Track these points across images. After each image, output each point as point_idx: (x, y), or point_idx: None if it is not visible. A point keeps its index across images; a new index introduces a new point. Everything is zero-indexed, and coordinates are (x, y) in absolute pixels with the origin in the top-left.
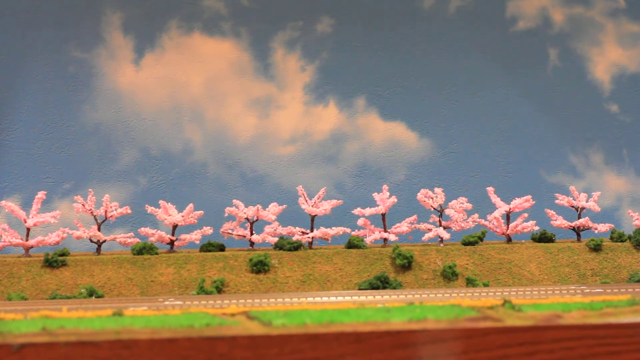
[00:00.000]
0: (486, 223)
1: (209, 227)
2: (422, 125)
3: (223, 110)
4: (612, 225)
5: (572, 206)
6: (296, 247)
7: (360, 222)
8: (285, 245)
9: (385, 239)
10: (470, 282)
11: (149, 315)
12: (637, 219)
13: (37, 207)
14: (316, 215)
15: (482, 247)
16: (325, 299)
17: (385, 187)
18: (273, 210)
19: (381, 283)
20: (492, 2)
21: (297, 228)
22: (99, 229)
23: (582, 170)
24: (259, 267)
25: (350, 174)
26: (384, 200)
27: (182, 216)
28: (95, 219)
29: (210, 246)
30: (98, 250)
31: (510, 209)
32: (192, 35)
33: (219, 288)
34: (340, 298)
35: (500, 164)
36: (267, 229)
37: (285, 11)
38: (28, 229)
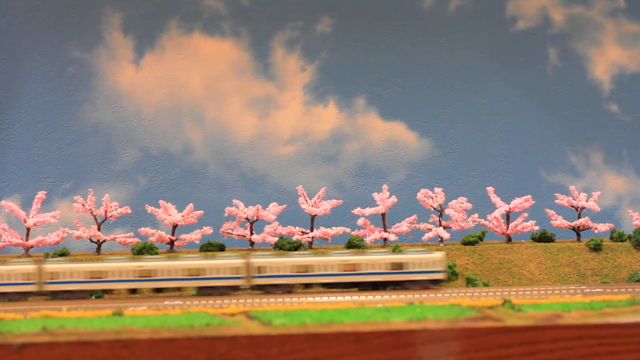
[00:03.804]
0: (486, 223)
1: (209, 227)
2: (422, 125)
3: (223, 110)
4: (612, 225)
5: (572, 206)
6: (296, 247)
7: (360, 222)
8: (285, 245)
9: (385, 239)
10: (470, 282)
11: (149, 315)
12: (637, 219)
13: (37, 207)
14: (316, 215)
15: (482, 247)
16: (325, 298)
17: (385, 187)
18: (273, 210)
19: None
20: (492, 2)
21: (297, 228)
22: (99, 229)
23: (582, 170)
24: None
25: (350, 174)
26: (384, 200)
27: (182, 216)
28: (95, 219)
29: (210, 246)
30: (98, 250)
31: (510, 208)
32: (192, 35)
33: None
34: (340, 298)
35: (500, 164)
36: (267, 228)
37: (285, 11)
38: (28, 229)
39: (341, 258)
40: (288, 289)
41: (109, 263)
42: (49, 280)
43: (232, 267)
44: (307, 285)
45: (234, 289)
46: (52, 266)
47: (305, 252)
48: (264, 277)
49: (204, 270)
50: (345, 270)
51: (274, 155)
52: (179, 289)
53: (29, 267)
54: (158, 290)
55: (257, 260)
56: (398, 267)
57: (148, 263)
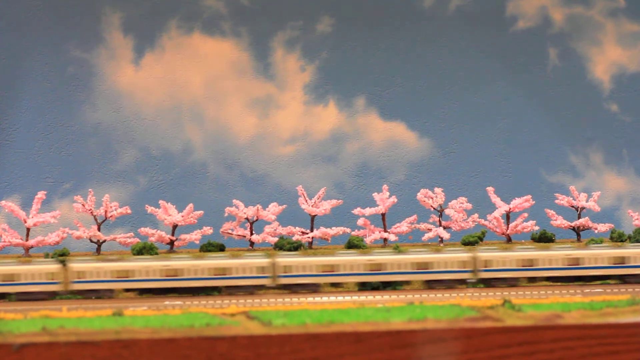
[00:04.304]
0: (486, 223)
1: (209, 227)
2: (422, 125)
3: (223, 110)
4: (612, 225)
5: (572, 206)
6: (296, 247)
7: (360, 222)
8: (285, 245)
9: (385, 239)
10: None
11: (149, 315)
12: (637, 219)
13: (37, 207)
14: (316, 215)
15: (482, 247)
16: (325, 298)
17: (385, 187)
18: (273, 210)
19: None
20: (492, 2)
21: (297, 228)
22: (98, 229)
23: (582, 170)
24: None
25: (350, 174)
26: (384, 200)
27: (182, 216)
28: (95, 219)
29: (210, 246)
30: (98, 250)
31: (510, 208)
32: (192, 35)
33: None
34: (340, 298)
35: (500, 164)
36: (267, 229)
37: (285, 11)
38: (28, 229)
39: (565, 252)
40: (513, 283)
41: (339, 257)
42: (283, 274)
43: (459, 260)
44: (531, 279)
45: (460, 282)
46: (285, 260)
47: (529, 247)
48: (491, 271)
49: (431, 263)
50: (569, 265)
51: (274, 155)
52: (407, 282)
53: (264, 260)
54: (387, 283)
55: (485, 254)
56: (620, 261)
57: (377, 257)
